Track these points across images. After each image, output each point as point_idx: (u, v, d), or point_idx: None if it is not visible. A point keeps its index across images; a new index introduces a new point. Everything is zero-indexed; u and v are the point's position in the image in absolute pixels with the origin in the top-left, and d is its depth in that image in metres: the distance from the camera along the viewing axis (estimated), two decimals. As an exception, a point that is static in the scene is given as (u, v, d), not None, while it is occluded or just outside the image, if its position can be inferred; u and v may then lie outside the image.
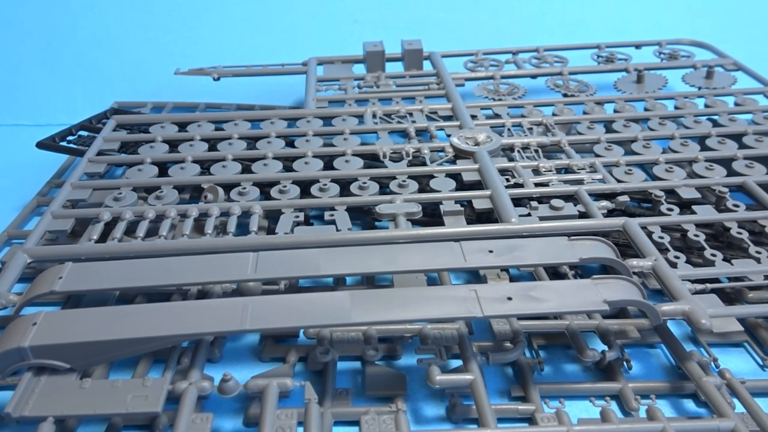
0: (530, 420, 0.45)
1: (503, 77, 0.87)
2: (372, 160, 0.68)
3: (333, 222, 0.56)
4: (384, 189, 0.62)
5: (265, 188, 0.63)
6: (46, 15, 1.09)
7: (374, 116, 0.76)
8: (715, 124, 0.73)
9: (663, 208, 0.58)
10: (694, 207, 0.58)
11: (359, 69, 0.91)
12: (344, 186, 0.62)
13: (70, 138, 0.76)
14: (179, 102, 0.93)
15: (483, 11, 1.13)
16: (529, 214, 0.56)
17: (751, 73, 0.84)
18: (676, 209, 0.58)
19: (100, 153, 0.70)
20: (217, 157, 0.67)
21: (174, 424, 0.41)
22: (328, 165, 0.66)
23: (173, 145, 0.70)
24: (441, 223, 0.57)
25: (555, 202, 0.57)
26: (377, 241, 0.53)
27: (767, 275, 0.51)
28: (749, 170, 0.63)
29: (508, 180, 0.62)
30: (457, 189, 0.61)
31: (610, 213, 0.59)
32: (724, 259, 0.52)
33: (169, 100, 0.93)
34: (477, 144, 0.68)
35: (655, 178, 0.63)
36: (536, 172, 0.64)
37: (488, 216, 0.58)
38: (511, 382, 0.49)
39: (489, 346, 0.50)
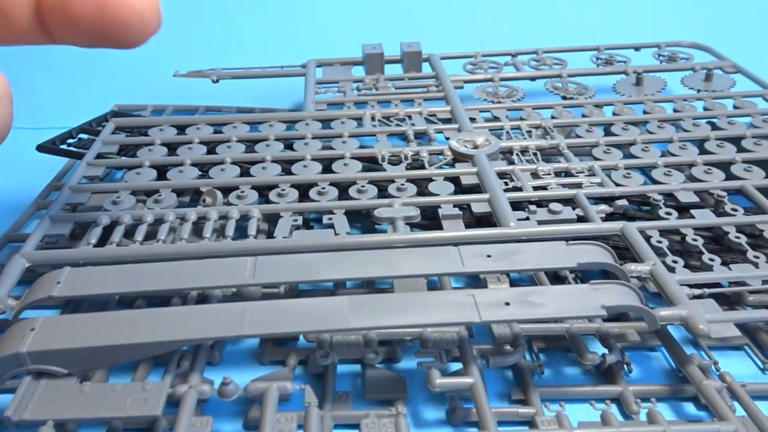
0: (530, 423, 0.45)
1: (502, 79, 0.87)
2: (371, 163, 0.68)
3: (332, 226, 0.56)
4: (383, 192, 0.62)
5: (263, 191, 0.63)
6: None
7: (373, 119, 0.76)
8: (714, 127, 0.73)
9: (661, 212, 0.58)
10: (692, 211, 0.58)
11: (358, 71, 0.91)
12: (343, 189, 0.62)
13: (70, 141, 0.76)
14: (179, 105, 0.93)
15: (482, 13, 1.13)
16: (527, 218, 0.57)
17: (750, 76, 0.84)
18: (675, 213, 0.58)
19: (99, 156, 0.70)
20: (216, 160, 0.67)
21: (174, 427, 0.41)
22: (327, 168, 0.66)
23: (172, 148, 0.71)
24: (440, 227, 0.57)
25: (553, 206, 0.57)
26: (375, 245, 0.53)
27: (765, 280, 0.51)
28: (748, 174, 0.63)
29: (506, 183, 0.62)
30: (455, 192, 0.61)
31: (609, 217, 0.59)
32: (723, 264, 0.52)
33: (169, 102, 0.93)
34: (476, 147, 0.68)
35: (653, 181, 0.63)
36: (535, 175, 0.64)
37: (487, 220, 0.58)
38: (511, 386, 0.49)
39: (489, 349, 0.51)
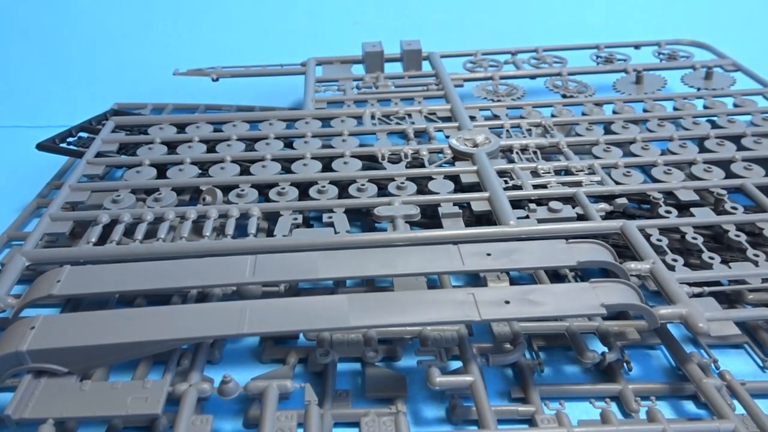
0: (530, 422, 0.45)
1: (502, 78, 0.87)
2: (370, 161, 0.68)
3: (332, 224, 0.56)
4: (382, 191, 0.62)
5: (263, 190, 0.63)
6: (46, 16, 1.09)
7: (373, 117, 0.76)
8: (714, 125, 0.73)
9: (661, 210, 0.58)
10: (692, 209, 0.58)
11: (358, 69, 0.91)
12: (343, 188, 0.62)
13: (70, 139, 0.76)
14: (179, 103, 0.93)
15: (482, 11, 1.13)
16: (527, 217, 0.57)
17: (750, 74, 0.84)
18: (675, 211, 0.58)
19: (98, 155, 0.70)
20: (216, 158, 0.67)
21: (174, 425, 0.41)
22: (327, 166, 0.66)
23: (172, 146, 0.71)
24: (440, 225, 0.57)
25: (553, 204, 0.57)
26: (375, 244, 0.53)
27: (765, 278, 0.51)
28: (747, 172, 0.63)
29: (506, 182, 0.62)
30: (455, 191, 0.61)
31: (609, 215, 0.59)
32: (723, 262, 0.52)
33: (169, 101, 0.93)
34: (475, 146, 0.68)
35: (653, 180, 0.63)
36: (535, 173, 0.64)
37: (487, 218, 0.58)
38: (511, 384, 0.49)
39: (489, 347, 0.51)
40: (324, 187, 0.61)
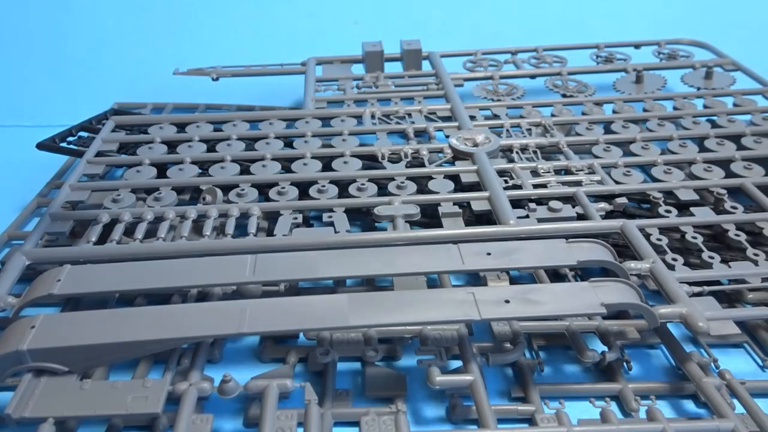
0: (530, 421, 0.46)
1: (502, 77, 0.87)
2: (370, 161, 0.68)
3: (332, 223, 0.56)
4: (383, 190, 0.62)
5: (263, 189, 0.63)
6: (46, 16, 1.09)
7: (373, 117, 0.76)
8: (714, 125, 0.73)
9: (661, 209, 0.58)
10: (692, 209, 0.58)
11: (358, 69, 0.91)
12: (343, 187, 0.62)
13: (70, 139, 0.76)
14: (179, 103, 0.93)
15: (482, 11, 1.13)
16: (527, 216, 0.57)
17: (750, 74, 0.84)
18: (675, 211, 0.58)
19: (99, 154, 0.70)
20: (216, 158, 0.67)
21: (174, 425, 0.41)
22: (327, 166, 0.66)
23: (172, 146, 0.71)
24: (440, 225, 0.57)
25: (553, 203, 0.57)
26: (375, 243, 0.53)
27: (764, 278, 0.51)
28: (747, 172, 0.63)
29: (506, 181, 0.62)
30: (455, 190, 0.61)
31: (609, 215, 0.59)
32: (722, 261, 0.52)
33: (169, 100, 0.93)
34: (475, 145, 0.68)
35: (653, 179, 0.63)
36: (535, 173, 0.64)
37: (487, 217, 0.58)
38: (511, 383, 0.49)
39: (489, 347, 0.51)
40: (324, 186, 0.61)
